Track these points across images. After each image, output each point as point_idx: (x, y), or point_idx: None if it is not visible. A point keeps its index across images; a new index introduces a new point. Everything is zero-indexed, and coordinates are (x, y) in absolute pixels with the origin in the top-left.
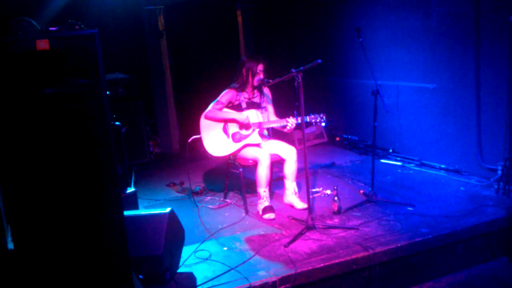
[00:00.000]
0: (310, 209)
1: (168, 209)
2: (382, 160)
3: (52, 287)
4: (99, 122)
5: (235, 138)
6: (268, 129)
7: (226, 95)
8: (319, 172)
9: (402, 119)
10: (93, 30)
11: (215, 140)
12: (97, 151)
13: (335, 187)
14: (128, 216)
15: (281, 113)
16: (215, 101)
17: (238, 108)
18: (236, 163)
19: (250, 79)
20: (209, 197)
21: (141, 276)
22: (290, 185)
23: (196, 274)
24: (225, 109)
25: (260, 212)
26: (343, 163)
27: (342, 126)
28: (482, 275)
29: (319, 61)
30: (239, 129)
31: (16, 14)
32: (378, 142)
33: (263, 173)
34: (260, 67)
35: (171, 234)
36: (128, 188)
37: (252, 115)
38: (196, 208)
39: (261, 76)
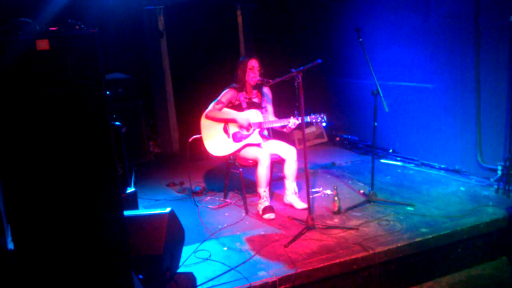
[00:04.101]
0: (310, 209)
1: (168, 209)
2: (382, 160)
3: (52, 287)
4: (99, 122)
5: (236, 138)
6: (268, 129)
7: (226, 95)
8: (319, 172)
9: (402, 119)
10: (93, 30)
11: (216, 139)
12: (97, 151)
13: (335, 187)
14: (128, 216)
15: (281, 113)
16: (216, 100)
17: (238, 107)
18: (236, 163)
19: (245, 77)
20: (209, 197)
21: (141, 276)
22: (290, 185)
23: (196, 274)
24: (226, 109)
25: (260, 212)
26: (343, 163)
27: (342, 126)
28: (482, 275)
29: (319, 61)
30: (240, 129)
31: (16, 14)
32: (378, 142)
33: (263, 173)
34: (252, 62)
35: (171, 234)
36: (128, 188)
37: (253, 115)
38: (196, 208)
39: (256, 72)
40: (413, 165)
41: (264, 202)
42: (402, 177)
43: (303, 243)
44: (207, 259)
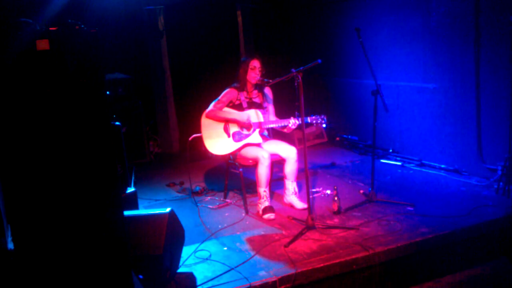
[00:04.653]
0: (310, 209)
1: (168, 209)
2: (382, 160)
3: (52, 287)
4: (99, 122)
5: (236, 137)
6: (268, 129)
7: (227, 94)
8: (319, 172)
9: (402, 119)
10: (93, 30)
11: (216, 139)
12: (97, 151)
13: (335, 187)
14: (128, 216)
15: (282, 113)
16: (216, 100)
17: (239, 107)
18: (236, 163)
19: (246, 76)
20: (209, 197)
21: (141, 276)
22: (290, 185)
23: (196, 274)
24: (226, 109)
25: (260, 212)
26: (343, 163)
27: (342, 126)
28: (482, 275)
29: (319, 61)
30: (240, 129)
31: (16, 14)
32: (378, 142)
33: (263, 172)
34: (254, 62)
35: (171, 234)
36: (128, 188)
37: (253, 115)
38: (196, 208)
39: (257, 72)
40: (413, 165)
41: (264, 202)
42: (402, 177)
43: (303, 243)
44: (207, 259)
